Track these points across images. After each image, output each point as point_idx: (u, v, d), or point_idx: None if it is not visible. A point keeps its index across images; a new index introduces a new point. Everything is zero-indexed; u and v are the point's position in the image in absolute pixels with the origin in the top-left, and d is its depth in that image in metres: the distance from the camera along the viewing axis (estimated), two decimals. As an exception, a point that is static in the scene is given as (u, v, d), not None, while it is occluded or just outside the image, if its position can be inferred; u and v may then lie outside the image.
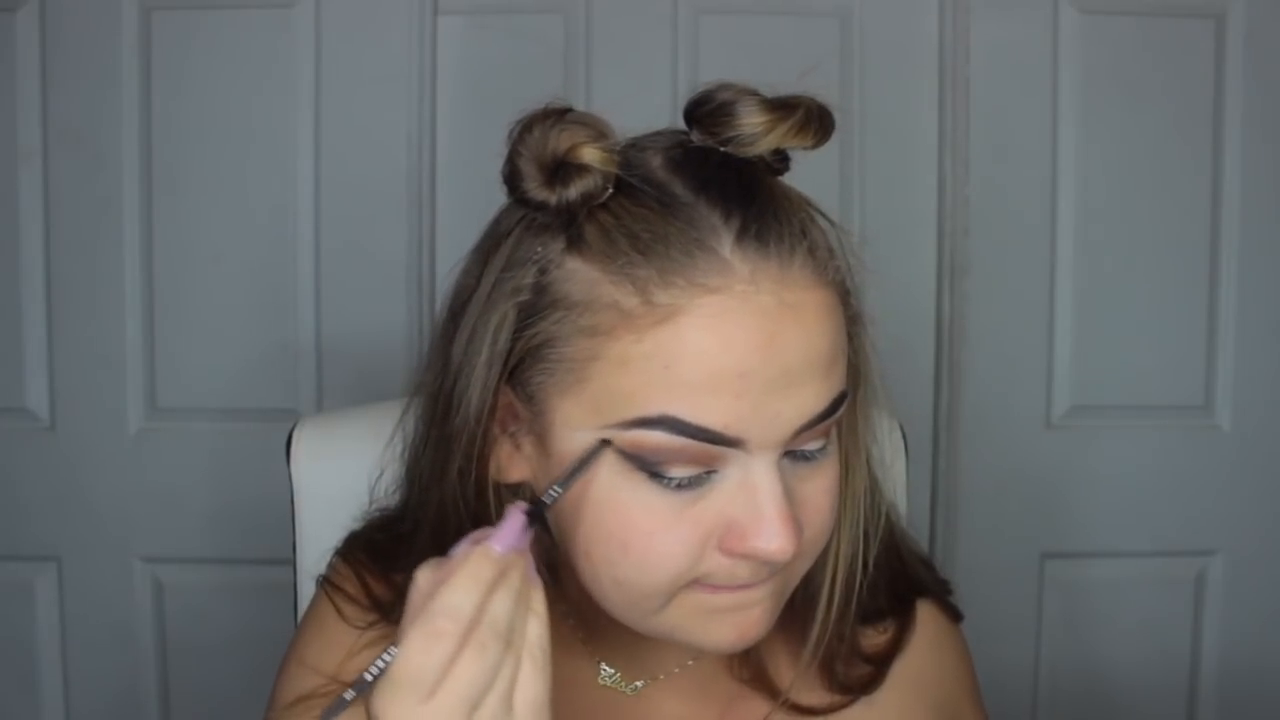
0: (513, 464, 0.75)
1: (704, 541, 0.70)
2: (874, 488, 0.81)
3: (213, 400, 1.66)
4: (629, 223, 0.69)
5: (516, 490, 0.75)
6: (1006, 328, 1.70)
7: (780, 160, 0.74)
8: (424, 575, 0.64)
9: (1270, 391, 1.71)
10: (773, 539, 0.68)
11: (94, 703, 1.69)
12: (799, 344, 0.68)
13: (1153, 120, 1.68)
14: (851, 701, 0.84)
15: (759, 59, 1.67)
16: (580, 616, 0.82)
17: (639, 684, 0.83)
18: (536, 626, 0.64)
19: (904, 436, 1.07)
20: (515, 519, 0.65)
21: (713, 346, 0.67)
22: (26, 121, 1.62)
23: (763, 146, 0.71)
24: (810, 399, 0.69)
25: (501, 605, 0.62)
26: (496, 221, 0.76)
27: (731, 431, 0.67)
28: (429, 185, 1.65)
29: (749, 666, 0.84)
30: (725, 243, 0.68)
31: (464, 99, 1.65)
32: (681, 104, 0.75)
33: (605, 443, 0.68)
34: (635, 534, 0.69)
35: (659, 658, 0.83)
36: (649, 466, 0.68)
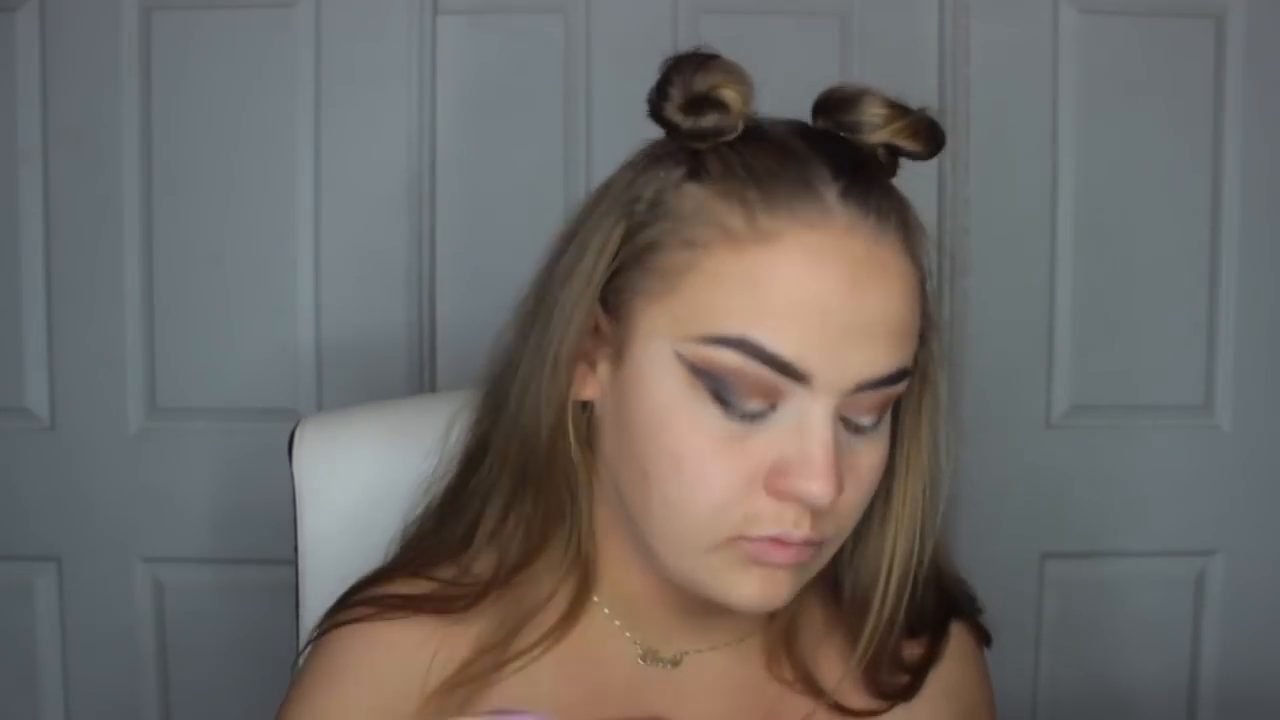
0: (585, 383, 0.78)
1: (752, 476, 0.72)
2: (934, 490, 0.82)
3: (213, 400, 1.66)
4: (749, 158, 0.74)
5: (584, 407, 0.79)
6: (1006, 328, 1.70)
7: (891, 160, 0.79)
8: None
9: (1270, 391, 1.71)
10: (815, 479, 0.71)
11: (94, 703, 1.69)
12: (880, 298, 0.72)
13: (1153, 120, 1.68)
14: (889, 707, 0.85)
15: (759, 59, 1.68)
16: (616, 606, 0.83)
17: (680, 656, 0.84)
18: None
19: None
20: None
21: (802, 276, 0.71)
22: (26, 121, 1.62)
23: (880, 136, 0.77)
24: (880, 357, 0.72)
25: None
26: (621, 168, 0.80)
27: (802, 365, 0.70)
28: (429, 185, 1.65)
29: (792, 666, 0.85)
30: (831, 191, 0.73)
31: (464, 99, 1.65)
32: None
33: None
34: (690, 452, 0.72)
35: (693, 639, 0.84)
36: (716, 387, 0.71)
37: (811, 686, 0.84)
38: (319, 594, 0.93)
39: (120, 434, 1.66)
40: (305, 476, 1.02)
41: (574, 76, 1.64)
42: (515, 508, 0.81)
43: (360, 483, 0.94)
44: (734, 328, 0.71)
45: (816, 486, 0.71)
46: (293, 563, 1.03)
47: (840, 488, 0.72)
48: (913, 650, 0.87)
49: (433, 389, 1.66)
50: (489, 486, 0.82)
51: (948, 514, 1.71)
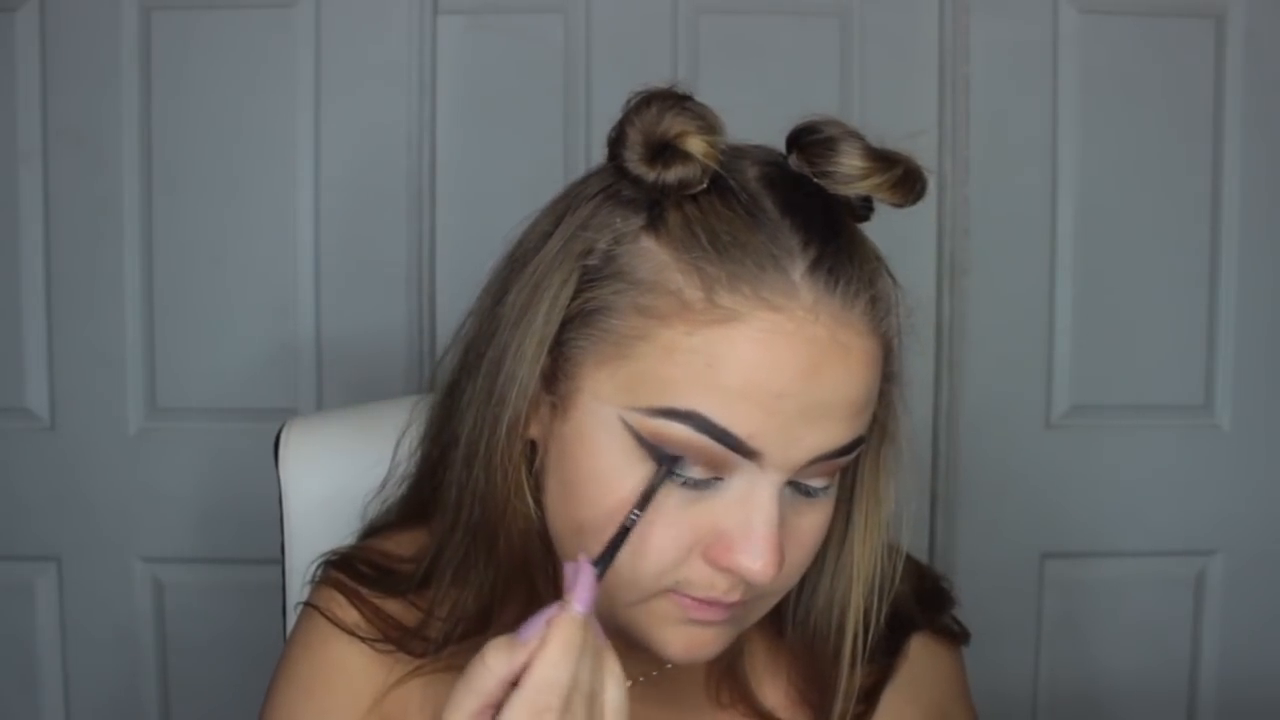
0: (529, 425, 0.75)
1: (693, 545, 0.71)
2: (892, 548, 0.81)
3: (213, 400, 1.66)
4: (713, 220, 0.71)
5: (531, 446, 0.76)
6: (1006, 328, 1.70)
7: (866, 207, 0.75)
8: (496, 658, 0.64)
9: (1270, 391, 1.71)
10: (756, 559, 0.70)
11: (94, 702, 1.69)
12: (839, 382, 0.70)
13: (1153, 120, 1.68)
14: None
15: (759, 59, 1.68)
16: None
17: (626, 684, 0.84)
18: (615, 690, 0.66)
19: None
20: (586, 574, 0.66)
21: (759, 359, 0.68)
22: (26, 121, 1.62)
23: (855, 189, 0.72)
24: (833, 435, 0.70)
25: (585, 669, 0.64)
26: (580, 183, 0.77)
27: (753, 443, 0.69)
28: (429, 185, 1.65)
29: (732, 691, 0.85)
30: (798, 268, 0.70)
31: (464, 99, 1.65)
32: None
33: (670, 470, 0.69)
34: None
35: (639, 667, 0.83)
36: (663, 458, 0.69)
37: (754, 709, 0.84)
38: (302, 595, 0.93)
39: (120, 434, 1.66)
40: (291, 478, 1.02)
41: (574, 76, 1.64)
42: (473, 565, 0.78)
43: (345, 484, 0.94)
44: (684, 401, 0.68)
45: (759, 565, 0.69)
46: (280, 563, 1.03)
47: (781, 564, 0.70)
48: (865, 678, 0.85)
49: (432, 389, 1.66)
50: (445, 534, 0.79)
51: (948, 514, 1.71)
